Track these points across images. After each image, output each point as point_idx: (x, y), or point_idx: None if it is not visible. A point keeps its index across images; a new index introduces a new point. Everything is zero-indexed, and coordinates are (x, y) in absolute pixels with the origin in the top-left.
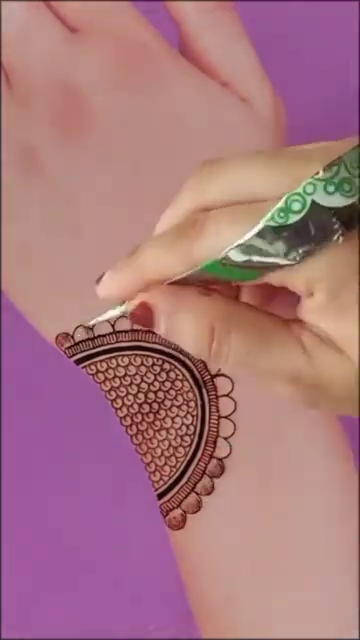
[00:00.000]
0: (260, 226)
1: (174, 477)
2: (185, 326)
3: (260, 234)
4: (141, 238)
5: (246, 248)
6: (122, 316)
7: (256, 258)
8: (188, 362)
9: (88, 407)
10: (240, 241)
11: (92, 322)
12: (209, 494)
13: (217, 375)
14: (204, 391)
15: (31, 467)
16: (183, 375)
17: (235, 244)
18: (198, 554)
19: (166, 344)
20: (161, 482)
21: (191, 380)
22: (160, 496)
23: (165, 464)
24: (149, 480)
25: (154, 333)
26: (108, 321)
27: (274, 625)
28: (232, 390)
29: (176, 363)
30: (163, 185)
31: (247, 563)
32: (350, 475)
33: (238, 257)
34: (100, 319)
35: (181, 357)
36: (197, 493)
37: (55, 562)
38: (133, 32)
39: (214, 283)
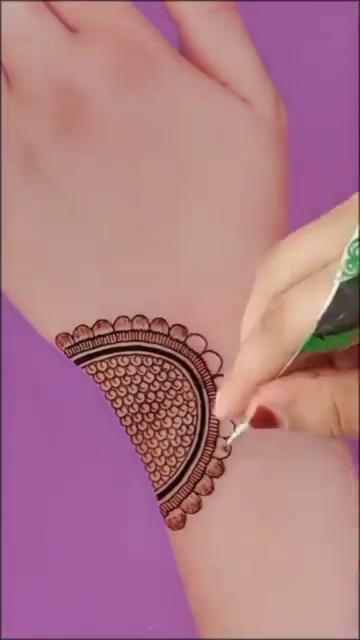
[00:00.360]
0: (336, 286)
1: (174, 477)
2: (307, 413)
3: (339, 293)
4: (141, 238)
5: (332, 311)
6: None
7: (343, 316)
8: (188, 362)
9: (88, 407)
10: (324, 308)
11: (229, 441)
12: (209, 494)
13: (217, 375)
14: (204, 391)
15: (31, 467)
16: (183, 375)
17: (321, 313)
18: (198, 554)
19: (166, 344)
20: (161, 482)
21: (191, 380)
22: (160, 496)
23: (165, 464)
24: (149, 480)
25: (154, 333)
26: (107, 321)
27: (274, 625)
28: None
29: (176, 363)
30: (163, 185)
31: (247, 563)
32: (350, 474)
33: (329, 323)
34: (234, 436)
35: (181, 357)
36: (197, 493)
37: (55, 562)
38: (133, 32)
39: (312, 361)
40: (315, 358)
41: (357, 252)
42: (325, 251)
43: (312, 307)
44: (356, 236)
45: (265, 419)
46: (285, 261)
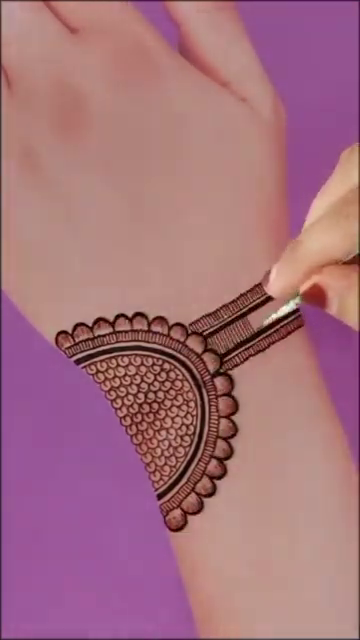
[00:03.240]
0: None
1: (174, 477)
2: (357, 306)
3: None
4: (141, 237)
5: None
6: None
7: None
8: (188, 362)
9: (88, 407)
10: None
11: (268, 320)
12: (209, 494)
13: (217, 375)
14: (204, 391)
15: (31, 467)
16: (183, 375)
17: None
18: (198, 554)
19: (166, 344)
20: (161, 482)
21: (191, 380)
22: (160, 496)
23: (165, 464)
24: (149, 480)
25: (154, 333)
26: (107, 321)
27: (274, 625)
28: (232, 390)
29: (176, 363)
30: (163, 185)
31: (247, 563)
32: (350, 474)
33: None
34: (275, 316)
35: (181, 357)
36: (197, 493)
37: (55, 562)
38: (133, 32)
39: None
40: None
41: None
42: None
43: None
44: None
45: (317, 296)
46: None
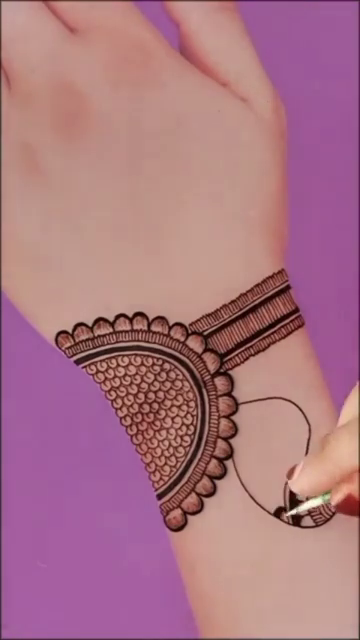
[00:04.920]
0: None
1: (174, 477)
2: None
3: None
4: (141, 237)
5: None
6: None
7: None
8: (188, 362)
9: (88, 407)
10: None
11: (295, 511)
12: (209, 494)
13: (217, 375)
14: (204, 391)
15: (31, 467)
16: (183, 375)
17: None
18: (198, 554)
19: (166, 344)
20: (161, 482)
21: (191, 380)
22: (160, 496)
23: (165, 464)
24: (149, 480)
25: (154, 333)
26: (107, 321)
27: (274, 625)
28: (232, 390)
29: (176, 363)
30: (163, 185)
31: (247, 563)
32: None
33: None
34: (302, 509)
35: (181, 357)
36: (197, 493)
37: (55, 562)
38: (133, 32)
39: None
40: None
41: None
42: None
43: None
44: None
45: (351, 508)
46: None
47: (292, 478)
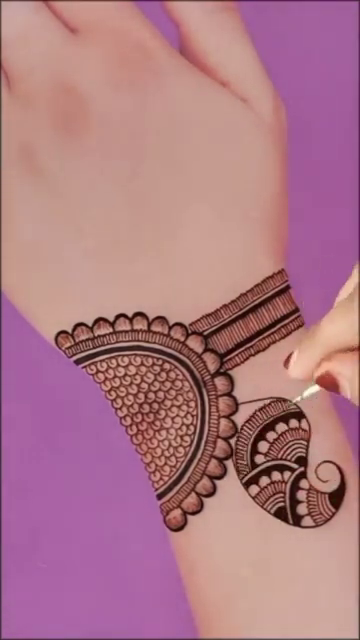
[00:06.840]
0: None
1: (174, 477)
2: None
3: None
4: (141, 237)
5: None
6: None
7: None
8: (188, 362)
9: (88, 407)
10: None
11: (297, 399)
12: (209, 494)
13: (217, 375)
14: (204, 391)
15: (31, 467)
16: (183, 375)
17: None
18: (198, 554)
19: (166, 344)
20: (161, 482)
21: (191, 380)
22: (160, 496)
23: (165, 464)
24: (149, 480)
25: (154, 333)
26: (107, 320)
27: (274, 625)
28: (232, 390)
29: (176, 363)
30: (163, 185)
31: (247, 563)
32: (352, 471)
33: None
34: (306, 395)
35: (181, 357)
36: (197, 493)
37: (55, 562)
38: (133, 32)
39: None
40: None
41: None
42: None
43: None
44: None
45: (330, 383)
46: None
47: (289, 366)
